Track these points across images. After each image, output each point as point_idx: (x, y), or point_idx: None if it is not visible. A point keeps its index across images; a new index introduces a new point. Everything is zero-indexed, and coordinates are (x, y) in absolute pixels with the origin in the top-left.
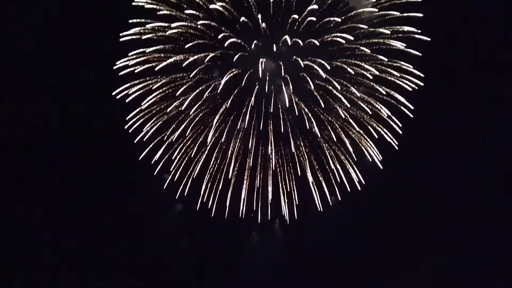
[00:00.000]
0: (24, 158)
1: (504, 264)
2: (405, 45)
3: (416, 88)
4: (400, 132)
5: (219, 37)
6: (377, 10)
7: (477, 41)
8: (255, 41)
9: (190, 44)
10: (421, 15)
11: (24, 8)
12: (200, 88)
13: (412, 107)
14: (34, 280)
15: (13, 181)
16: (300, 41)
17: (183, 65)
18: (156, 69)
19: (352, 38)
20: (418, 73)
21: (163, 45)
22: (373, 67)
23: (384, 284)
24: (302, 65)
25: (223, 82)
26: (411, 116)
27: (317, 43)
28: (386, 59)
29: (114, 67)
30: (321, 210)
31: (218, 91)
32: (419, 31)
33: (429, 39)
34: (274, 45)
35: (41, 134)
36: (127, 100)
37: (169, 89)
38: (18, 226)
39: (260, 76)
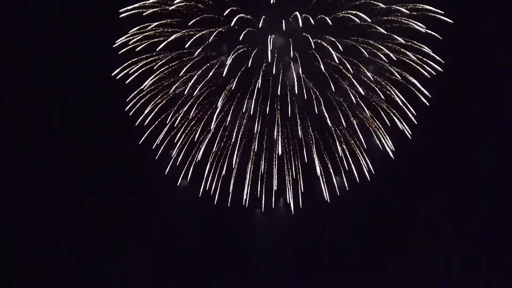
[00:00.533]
0: (24, 158)
1: None
2: (425, 27)
3: (435, 74)
4: (415, 122)
5: (226, 12)
6: None
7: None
8: (263, 17)
9: (195, 19)
10: None
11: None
12: (205, 66)
13: (429, 95)
14: (34, 280)
15: (13, 181)
16: (311, 18)
17: (187, 43)
18: (158, 48)
19: (365, 17)
20: (438, 58)
21: (165, 20)
22: (388, 49)
23: (389, 278)
24: (313, 43)
25: (229, 60)
26: (427, 104)
27: (329, 20)
28: (403, 41)
29: (113, 46)
30: (328, 200)
31: (225, 70)
32: (442, 12)
33: (451, 21)
34: (284, 21)
35: (41, 134)
36: (127, 82)
37: (172, 68)
38: (18, 226)
39: (269, 54)
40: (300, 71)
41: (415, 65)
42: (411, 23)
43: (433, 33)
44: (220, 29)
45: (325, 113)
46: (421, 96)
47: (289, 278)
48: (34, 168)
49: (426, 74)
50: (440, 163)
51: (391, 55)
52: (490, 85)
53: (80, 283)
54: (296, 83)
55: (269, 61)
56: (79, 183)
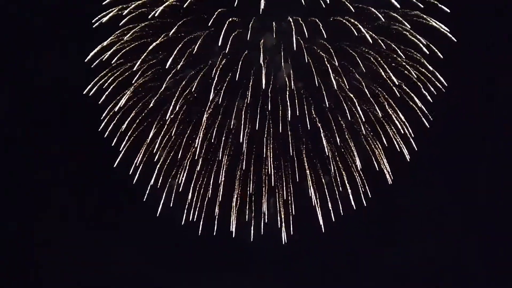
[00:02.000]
0: None
1: None
2: (425, 43)
3: (435, 94)
4: (413, 143)
5: (216, 14)
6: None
7: None
8: (254, 18)
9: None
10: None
11: None
12: (188, 76)
13: (430, 117)
14: None
15: None
16: (303, 23)
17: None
18: (135, 68)
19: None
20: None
21: (144, 29)
22: (387, 63)
23: None
24: (304, 47)
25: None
26: (427, 125)
27: (320, 24)
28: (403, 56)
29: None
30: (323, 229)
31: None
32: (447, 29)
33: (455, 40)
34: (274, 23)
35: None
36: (100, 101)
37: (151, 81)
38: None
39: (261, 62)
40: (292, 79)
41: (416, 81)
42: (411, 37)
43: (435, 50)
44: (204, 34)
45: (321, 130)
46: (421, 114)
47: None
48: None
49: (427, 94)
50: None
51: (391, 75)
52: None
53: None
54: (288, 96)
55: (258, 69)
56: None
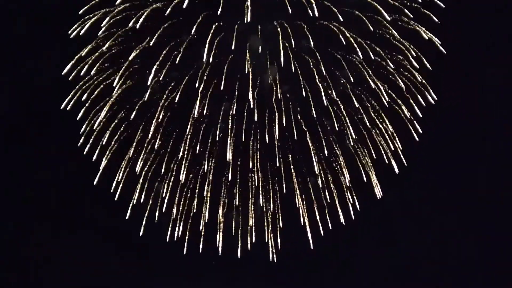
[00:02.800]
0: None
1: None
2: (415, 54)
3: (424, 105)
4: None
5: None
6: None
7: None
8: (238, 22)
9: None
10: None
11: None
12: (171, 86)
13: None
14: None
15: None
16: (286, 24)
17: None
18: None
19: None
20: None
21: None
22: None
23: None
24: (290, 52)
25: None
26: (417, 138)
27: (306, 28)
28: (391, 65)
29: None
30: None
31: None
32: (439, 42)
33: (445, 52)
34: (259, 26)
35: None
36: (78, 117)
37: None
38: None
39: (247, 68)
40: (278, 82)
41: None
42: (400, 45)
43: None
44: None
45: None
46: (411, 127)
47: None
48: None
49: (415, 107)
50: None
51: (379, 84)
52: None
53: None
54: (275, 103)
55: (244, 77)
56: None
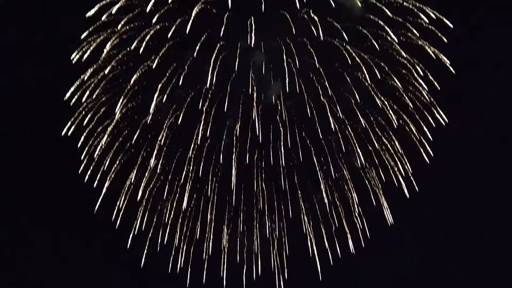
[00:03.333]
0: None
1: None
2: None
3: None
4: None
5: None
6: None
7: None
8: (240, 40)
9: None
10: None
11: None
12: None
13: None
14: None
15: None
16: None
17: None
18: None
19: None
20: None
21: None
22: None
23: None
24: (294, 69)
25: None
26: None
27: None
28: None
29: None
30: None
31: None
32: (448, 61)
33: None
34: (262, 43)
35: None
36: (79, 145)
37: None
38: None
39: (250, 88)
40: (282, 99)
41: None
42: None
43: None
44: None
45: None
46: (421, 149)
47: None
48: None
49: (426, 129)
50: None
51: (386, 103)
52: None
53: None
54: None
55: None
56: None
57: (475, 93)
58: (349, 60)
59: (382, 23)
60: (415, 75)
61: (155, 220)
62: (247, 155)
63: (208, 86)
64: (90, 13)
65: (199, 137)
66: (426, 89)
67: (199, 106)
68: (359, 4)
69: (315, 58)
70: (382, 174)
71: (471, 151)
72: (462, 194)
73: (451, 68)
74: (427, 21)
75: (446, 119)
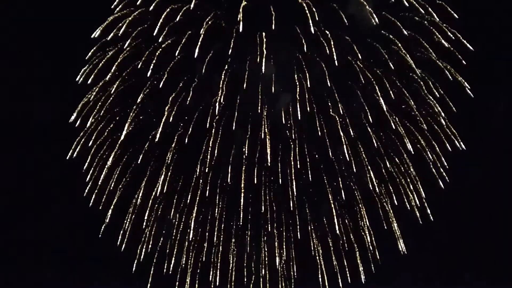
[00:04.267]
0: None
1: None
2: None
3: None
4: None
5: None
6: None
7: None
8: (249, 57)
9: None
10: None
11: None
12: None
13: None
14: None
15: None
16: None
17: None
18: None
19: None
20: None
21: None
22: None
23: None
24: (305, 86)
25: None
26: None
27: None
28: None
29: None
30: None
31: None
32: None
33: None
34: (272, 60)
35: None
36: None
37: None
38: None
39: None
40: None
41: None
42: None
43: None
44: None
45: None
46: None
47: None
48: None
49: (441, 155)
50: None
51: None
52: None
53: None
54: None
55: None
56: None
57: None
58: (362, 79)
59: (397, 41)
60: (430, 96)
61: (160, 242)
62: (255, 176)
63: (218, 106)
64: (96, 34)
65: (207, 156)
66: (442, 115)
67: (207, 125)
68: (374, 21)
69: (327, 75)
70: (395, 199)
71: (487, 175)
72: (478, 220)
73: (470, 92)
74: (447, 45)
75: (463, 146)
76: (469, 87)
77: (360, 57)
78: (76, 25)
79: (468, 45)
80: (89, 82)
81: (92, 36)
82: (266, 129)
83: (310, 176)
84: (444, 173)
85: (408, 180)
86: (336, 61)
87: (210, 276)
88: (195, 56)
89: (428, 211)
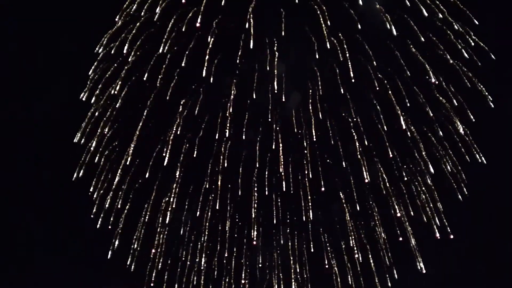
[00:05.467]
0: None
1: None
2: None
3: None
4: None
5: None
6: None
7: None
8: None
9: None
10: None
11: None
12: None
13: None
14: None
15: None
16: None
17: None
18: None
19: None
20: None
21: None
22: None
23: None
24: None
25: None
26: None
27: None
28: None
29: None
30: None
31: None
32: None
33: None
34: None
35: None
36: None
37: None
38: None
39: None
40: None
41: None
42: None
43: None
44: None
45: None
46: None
47: None
48: None
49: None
50: None
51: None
52: None
53: None
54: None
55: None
56: None
57: None
58: (376, 85)
59: (413, 47)
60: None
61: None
62: (266, 188)
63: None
64: (99, 49)
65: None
66: (460, 126)
67: (216, 135)
68: (389, 24)
69: (339, 81)
70: (411, 211)
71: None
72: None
73: (491, 103)
74: (467, 56)
75: (483, 159)
76: (490, 98)
77: (375, 62)
78: (78, 39)
79: (490, 53)
80: (92, 101)
81: (95, 51)
82: (277, 140)
83: (323, 186)
84: (462, 185)
85: (425, 189)
86: (350, 66)
87: None
88: (204, 64)
89: (446, 223)
